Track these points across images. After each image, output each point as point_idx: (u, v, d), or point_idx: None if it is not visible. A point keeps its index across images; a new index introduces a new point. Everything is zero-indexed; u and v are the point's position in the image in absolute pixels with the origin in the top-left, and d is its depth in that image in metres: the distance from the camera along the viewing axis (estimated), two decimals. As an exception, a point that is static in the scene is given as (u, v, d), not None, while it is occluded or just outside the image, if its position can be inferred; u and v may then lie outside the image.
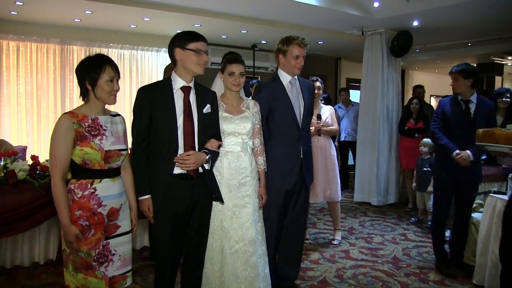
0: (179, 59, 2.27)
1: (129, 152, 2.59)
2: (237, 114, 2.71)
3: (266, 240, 2.86)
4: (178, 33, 2.31)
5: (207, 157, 2.30)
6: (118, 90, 2.12)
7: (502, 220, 2.60)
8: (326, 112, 4.35)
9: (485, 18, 5.53)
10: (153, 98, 2.23)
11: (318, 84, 4.22)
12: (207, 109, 2.36)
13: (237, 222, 2.65)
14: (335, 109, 6.90)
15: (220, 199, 2.46)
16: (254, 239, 2.67)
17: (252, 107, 2.79)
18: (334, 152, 4.40)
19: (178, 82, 2.30)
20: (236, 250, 2.63)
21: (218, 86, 2.76)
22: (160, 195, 2.26)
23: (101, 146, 2.05)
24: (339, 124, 5.90)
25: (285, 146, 2.97)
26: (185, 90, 2.30)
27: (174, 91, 2.29)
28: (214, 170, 2.55)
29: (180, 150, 2.25)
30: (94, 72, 2.04)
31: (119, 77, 2.13)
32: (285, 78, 3.02)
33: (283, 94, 2.98)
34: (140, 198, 2.26)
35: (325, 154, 4.27)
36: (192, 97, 2.32)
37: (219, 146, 2.44)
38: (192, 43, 2.24)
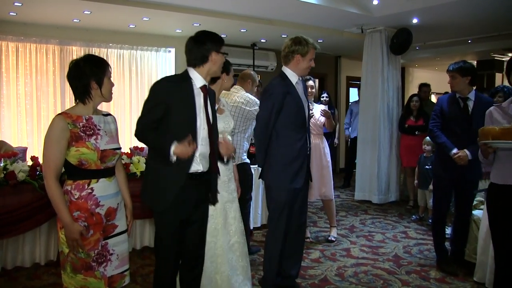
0: (213, 61, 2.28)
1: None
2: (221, 113, 2.82)
3: (275, 240, 2.99)
4: (210, 35, 2.30)
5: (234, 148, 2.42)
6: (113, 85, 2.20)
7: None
8: (318, 111, 4.34)
9: (485, 15, 5.51)
10: (173, 92, 2.19)
11: (311, 83, 4.25)
12: (215, 107, 2.42)
13: (230, 216, 2.83)
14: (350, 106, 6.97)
15: (215, 201, 2.46)
16: (243, 230, 2.91)
17: (226, 106, 2.94)
18: (328, 150, 4.40)
19: (199, 81, 2.28)
20: (232, 243, 2.79)
21: None
22: (172, 197, 2.20)
23: (97, 145, 2.06)
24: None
25: (295, 145, 2.97)
26: (204, 89, 2.29)
27: (194, 89, 2.26)
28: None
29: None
30: (101, 72, 2.09)
31: None
32: (292, 77, 3.02)
33: (295, 92, 3.00)
34: (172, 150, 2.09)
35: (320, 152, 4.28)
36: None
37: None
38: (223, 47, 2.33)
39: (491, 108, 2.69)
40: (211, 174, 2.37)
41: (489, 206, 2.66)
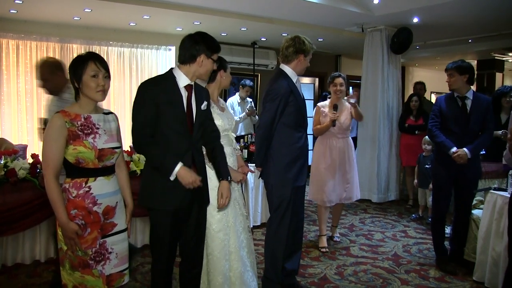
0: (199, 64, 2.25)
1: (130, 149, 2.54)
2: (223, 111, 2.80)
3: (278, 239, 2.99)
4: (205, 38, 2.27)
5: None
6: (104, 85, 2.06)
7: (508, 214, 2.59)
8: (346, 111, 4.15)
9: (485, 14, 5.51)
10: (158, 94, 2.18)
11: (341, 80, 4.06)
12: (204, 106, 2.35)
13: (239, 213, 2.82)
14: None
15: (207, 201, 2.46)
16: (249, 227, 2.94)
17: (225, 105, 2.92)
18: (354, 154, 4.26)
19: (182, 80, 2.26)
20: (242, 240, 2.79)
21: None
22: (165, 194, 2.22)
23: (95, 144, 2.04)
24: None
25: (297, 143, 3.00)
26: (189, 89, 2.28)
27: (180, 87, 2.25)
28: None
29: None
30: (79, 69, 2.03)
31: (108, 74, 2.09)
32: (293, 76, 3.04)
33: (297, 91, 3.02)
34: (176, 170, 2.13)
35: (344, 156, 4.11)
36: (192, 95, 2.32)
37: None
38: (216, 54, 2.30)
39: None
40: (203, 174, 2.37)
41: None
